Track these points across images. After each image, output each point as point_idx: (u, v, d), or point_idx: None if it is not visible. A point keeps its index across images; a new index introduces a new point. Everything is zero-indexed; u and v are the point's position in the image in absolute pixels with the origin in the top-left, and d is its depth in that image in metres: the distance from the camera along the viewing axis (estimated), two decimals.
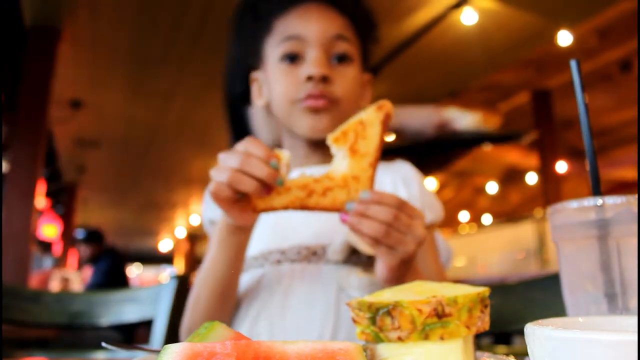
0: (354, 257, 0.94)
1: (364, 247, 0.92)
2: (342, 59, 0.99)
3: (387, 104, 0.73)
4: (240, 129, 1.18)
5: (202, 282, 0.88)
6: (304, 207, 0.71)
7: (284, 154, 0.74)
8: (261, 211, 0.71)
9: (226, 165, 0.72)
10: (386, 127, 0.72)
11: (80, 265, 10.30)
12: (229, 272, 0.86)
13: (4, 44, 4.37)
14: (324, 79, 0.95)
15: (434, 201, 1.04)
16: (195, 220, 11.50)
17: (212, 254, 0.86)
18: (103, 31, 4.37)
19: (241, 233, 0.83)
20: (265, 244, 0.97)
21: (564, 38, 4.60)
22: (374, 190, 0.72)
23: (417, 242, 0.73)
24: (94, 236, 5.41)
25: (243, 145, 0.73)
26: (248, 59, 1.09)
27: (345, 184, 0.71)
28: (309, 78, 0.94)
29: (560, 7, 4.19)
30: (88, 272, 5.59)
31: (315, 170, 1.01)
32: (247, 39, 1.08)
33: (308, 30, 0.97)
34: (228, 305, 0.90)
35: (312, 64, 0.94)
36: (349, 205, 0.71)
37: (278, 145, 1.11)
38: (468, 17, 4.19)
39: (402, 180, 1.04)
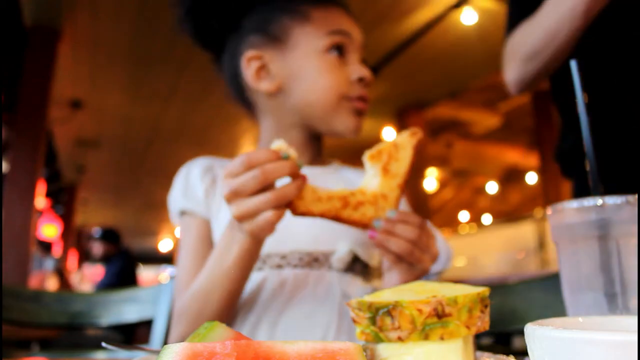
0: (356, 266, 0.94)
1: (368, 257, 0.93)
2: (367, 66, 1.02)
3: (419, 132, 0.77)
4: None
5: (208, 295, 0.81)
6: (337, 218, 0.73)
7: (280, 142, 0.74)
8: (300, 214, 0.72)
9: (247, 189, 0.69)
10: (416, 153, 0.76)
11: (81, 263, 10.31)
12: (242, 284, 0.82)
13: (4, 44, 4.37)
14: (369, 84, 0.98)
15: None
16: None
17: (226, 272, 0.79)
18: (103, 31, 4.37)
19: (259, 247, 0.79)
20: (264, 247, 0.92)
21: None
22: (400, 210, 0.75)
23: (432, 260, 0.77)
24: (109, 235, 5.40)
25: (240, 164, 0.69)
26: (214, 32, 1.03)
27: (374, 201, 0.74)
28: (361, 79, 0.96)
29: None
30: (97, 271, 5.60)
31: (306, 172, 1.01)
32: (273, 13, 1.01)
33: (353, 30, 0.98)
34: (233, 307, 0.87)
35: (362, 67, 0.97)
36: (377, 223, 0.74)
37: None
38: (468, 17, 4.19)
39: None
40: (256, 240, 0.77)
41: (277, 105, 0.99)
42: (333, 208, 0.72)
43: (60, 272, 6.05)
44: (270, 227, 0.72)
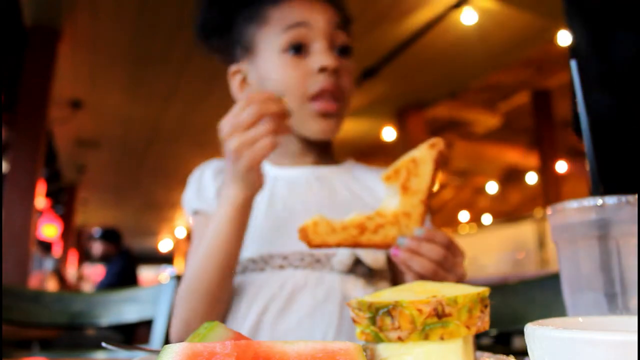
0: (357, 268, 0.93)
1: (370, 261, 0.93)
2: (345, 51, 0.97)
3: (440, 142, 0.73)
4: None
5: (205, 263, 0.83)
6: (356, 245, 0.71)
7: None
8: (315, 247, 0.71)
9: (245, 122, 0.76)
10: (439, 165, 0.73)
11: (81, 263, 10.31)
12: (237, 250, 0.84)
13: (4, 44, 4.37)
14: (336, 71, 0.92)
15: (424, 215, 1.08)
16: None
17: (219, 235, 0.83)
18: (103, 31, 4.37)
19: (250, 206, 0.83)
20: (266, 248, 0.94)
21: (564, 38, 4.60)
22: (427, 228, 0.72)
23: (457, 280, 0.74)
24: (109, 235, 5.39)
25: (239, 105, 0.78)
26: (226, 50, 1.05)
27: (396, 221, 0.72)
28: (322, 69, 0.91)
29: (560, 7, 4.18)
30: (97, 271, 5.59)
31: (309, 172, 1.01)
32: (237, 26, 1.02)
33: (314, 17, 0.93)
34: (229, 287, 0.88)
35: (323, 55, 0.91)
36: (401, 241, 0.71)
37: None
38: (468, 17, 4.19)
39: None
40: (246, 194, 0.81)
41: None
42: (349, 237, 0.70)
43: (59, 273, 6.04)
44: (265, 154, 0.77)
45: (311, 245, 0.70)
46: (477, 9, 4.16)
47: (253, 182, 0.81)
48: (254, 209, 0.92)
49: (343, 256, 0.91)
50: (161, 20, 4.18)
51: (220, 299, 0.87)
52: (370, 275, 0.94)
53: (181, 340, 0.84)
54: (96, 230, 5.57)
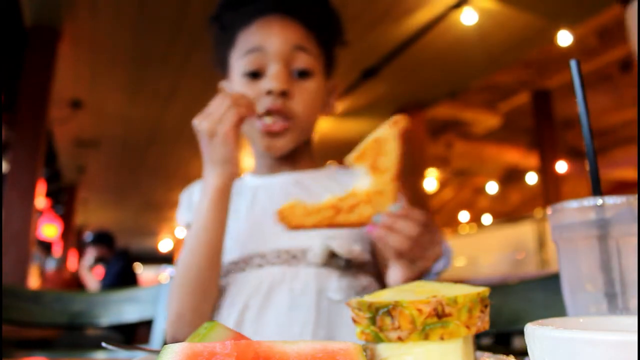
0: (332, 261, 0.96)
1: (344, 252, 0.95)
2: (303, 74, 1.01)
3: (401, 120, 0.76)
4: None
5: (193, 255, 0.88)
6: (332, 225, 0.74)
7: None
8: (293, 228, 0.74)
9: (214, 110, 0.88)
10: (403, 141, 0.75)
11: (80, 265, 10.30)
12: (221, 237, 0.89)
13: (4, 44, 4.37)
14: (284, 94, 0.97)
15: None
16: None
17: (203, 222, 0.88)
18: (103, 31, 4.37)
19: (229, 193, 0.90)
20: (245, 249, 0.98)
21: (564, 38, 4.61)
22: (403, 205, 0.75)
23: (435, 258, 0.78)
24: (102, 238, 5.39)
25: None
26: (218, 67, 1.13)
27: (369, 200, 0.74)
28: (269, 92, 0.96)
29: (560, 7, 4.19)
30: (97, 270, 5.58)
31: (287, 179, 1.06)
32: (216, 47, 1.12)
33: (268, 42, 0.99)
34: (216, 278, 0.91)
35: (272, 78, 0.97)
36: (376, 218, 0.74)
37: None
38: (468, 17, 4.19)
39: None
40: (225, 177, 0.88)
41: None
42: (325, 218, 0.73)
43: (42, 272, 6.04)
44: (235, 123, 0.87)
45: (290, 225, 0.74)
46: (477, 9, 4.16)
47: (229, 158, 0.88)
48: (236, 214, 0.99)
49: (316, 248, 0.94)
50: (161, 20, 4.18)
51: (209, 290, 0.90)
52: (346, 266, 0.97)
53: (175, 334, 0.88)
54: (88, 235, 5.57)
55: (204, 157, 0.90)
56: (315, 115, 1.05)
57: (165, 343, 0.88)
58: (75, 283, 5.58)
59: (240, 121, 0.89)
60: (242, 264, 0.97)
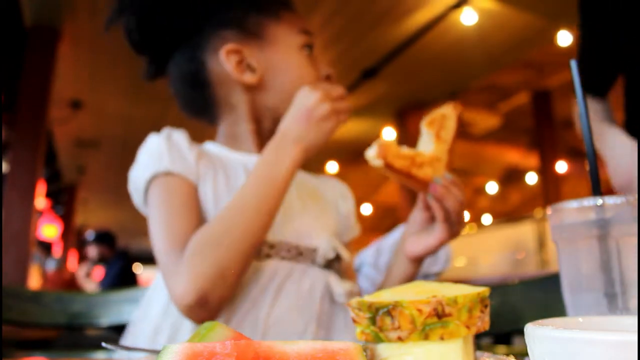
0: (334, 264, 0.99)
1: (345, 255, 0.99)
2: None
3: (459, 106, 0.89)
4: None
5: (258, 212, 0.82)
6: (407, 174, 0.80)
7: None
8: (385, 166, 0.78)
9: (335, 94, 0.90)
10: (458, 124, 0.87)
11: (81, 263, 10.32)
12: (278, 208, 0.86)
13: (4, 44, 4.37)
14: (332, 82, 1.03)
15: (355, 223, 1.16)
16: None
17: (274, 186, 0.84)
18: (103, 31, 4.37)
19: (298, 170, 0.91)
20: None
21: (564, 38, 4.61)
22: (453, 174, 0.84)
23: (464, 226, 0.87)
24: (103, 238, 5.40)
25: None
26: (227, 26, 1.04)
27: (431, 163, 0.82)
28: (327, 77, 1.03)
29: (560, 7, 4.19)
30: (96, 271, 5.59)
31: None
32: (249, 11, 1.04)
33: (314, 35, 1.05)
34: (265, 235, 0.86)
35: (327, 65, 1.04)
36: (438, 179, 0.82)
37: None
38: (468, 17, 4.19)
39: (341, 197, 1.15)
40: (306, 153, 0.88)
41: (252, 98, 1.02)
42: (406, 165, 0.79)
43: (43, 272, 6.05)
44: (342, 125, 0.91)
45: (385, 161, 0.77)
46: (477, 9, 4.16)
47: (319, 144, 0.89)
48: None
49: (326, 249, 0.96)
50: None
51: (255, 251, 0.84)
52: (341, 269, 1.00)
53: (206, 292, 0.77)
54: (90, 234, 5.57)
55: (294, 126, 0.88)
56: None
57: (192, 305, 0.78)
58: (76, 283, 5.59)
59: (343, 124, 0.93)
60: None
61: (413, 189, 0.85)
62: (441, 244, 0.86)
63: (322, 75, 1.02)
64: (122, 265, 5.17)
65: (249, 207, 0.82)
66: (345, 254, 1.00)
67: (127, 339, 0.95)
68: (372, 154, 0.77)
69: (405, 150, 0.81)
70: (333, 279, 0.96)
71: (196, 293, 0.77)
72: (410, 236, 0.90)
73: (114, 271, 5.11)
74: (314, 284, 0.93)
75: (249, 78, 1.00)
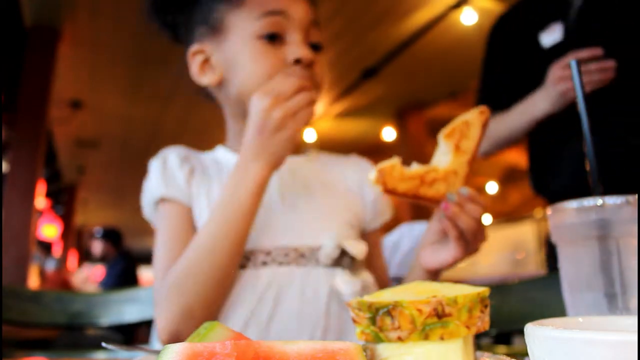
0: (343, 260, 0.91)
1: (355, 251, 0.91)
2: (317, 47, 0.95)
3: (487, 110, 0.79)
4: None
5: (216, 243, 0.80)
6: (416, 196, 0.75)
7: None
8: (387, 191, 0.73)
9: (288, 92, 0.80)
10: (484, 131, 0.79)
11: (81, 263, 10.32)
12: (249, 227, 0.82)
13: (4, 44, 4.37)
14: (310, 64, 0.91)
15: (387, 205, 1.06)
16: None
17: (237, 209, 0.80)
18: (103, 31, 4.37)
19: (267, 183, 0.83)
20: (247, 243, 0.88)
21: None
22: (470, 189, 0.78)
23: (482, 242, 0.80)
24: (110, 235, 5.39)
25: (280, 78, 0.82)
26: (180, 27, 1.01)
27: (445, 178, 0.77)
28: (297, 61, 0.89)
29: None
30: (97, 271, 5.59)
31: (290, 162, 0.97)
32: (203, 4, 0.98)
33: (292, 8, 0.91)
34: (236, 269, 0.84)
35: (299, 46, 0.89)
36: (451, 196, 0.76)
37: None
38: (468, 17, 4.19)
39: (367, 180, 1.03)
40: (270, 169, 0.82)
41: (225, 98, 0.97)
42: (413, 187, 0.74)
43: (42, 271, 6.06)
44: (306, 124, 0.81)
45: (385, 188, 0.73)
46: (477, 9, 4.16)
47: (283, 155, 0.81)
48: None
49: (329, 248, 0.89)
50: None
51: (228, 282, 0.83)
52: (354, 265, 0.92)
53: (178, 332, 0.79)
54: (97, 230, 5.56)
55: (253, 141, 0.81)
56: (323, 90, 0.99)
57: (165, 343, 0.84)
58: (73, 286, 5.59)
59: (311, 118, 0.82)
60: (244, 260, 0.88)
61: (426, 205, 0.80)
62: (456, 262, 0.80)
63: (290, 61, 0.89)
64: (124, 266, 5.16)
65: (215, 236, 0.80)
66: (356, 247, 0.91)
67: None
68: (371, 178, 0.73)
69: (415, 168, 0.75)
70: (340, 279, 0.89)
71: (168, 333, 0.79)
72: (427, 246, 0.84)
73: (116, 271, 5.11)
74: (318, 286, 0.87)
75: (207, 79, 0.96)
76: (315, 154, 1.08)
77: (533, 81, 1.41)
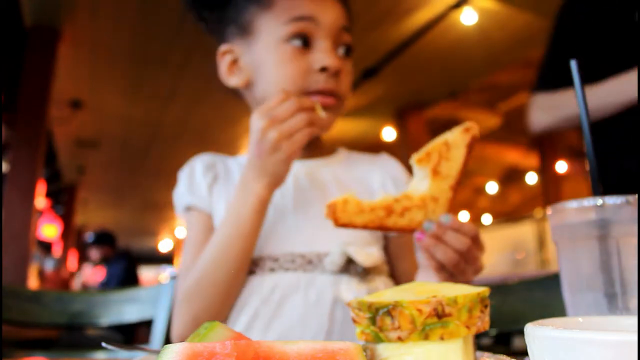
0: (350, 268, 0.90)
1: (362, 259, 0.90)
2: (348, 51, 0.95)
3: (474, 127, 0.71)
4: None
5: (221, 257, 0.84)
6: (382, 227, 0.69)
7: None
8: (342, 225, 0.69)
9: (285, 114, 0.79)
10: (471, 150, 0.71)
11: (81, 263, 10.33)
12: (254, 244, 0.85)
13: (4, 44, 4.37)
14: (337, 73, 0.90)
15: None
16: None
17: (240, 226, 0.83)
18: (103, 31, 4.37)
19: (268, 202, 0.85)
20: (257, 249, 0.91)
21: None
22: (454, 217, 0.71)
23: (476, 274, 0.74)
24: (103, 238, 5.40)
25: (277, 99, 0.81)
26: (216, 26, 1.01)
27: (423, 205, 0.70)
28: (323, 69, 0.89)
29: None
30: (97, 272, 5.60)
31: (299, 168, 0.99)
32: (236, 6, 0.98)
33: (322, 14, 0.90)
34: (242, 282, 0.88)
35: (327, 54, 0.89)
36: (427, 225, 0.70)
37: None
38: (468, 17, 4.19)
39: (391, 180, 1.02)
40: (271, 189, 0.83)
41: (252, 100, 0.98)
42: (376, 218, 0.69)
43: (41, 271, 6.07)
44: (302, 146, 0.80)
45: (337, 223, 0.68)
46: (477, 9, 4.16)
47: (283, 174, 0.82)
48: None
49: (335, 256, 0.89)
50: (161, 21, 4.18)
51: (233, 294, 0.87)
52: (364, 273, 0.91)
53: (186, 338, 0.81)
54: (90, 236, 5.59)
55: (253, 160, 0.83)
56: (348, 98, 0.99)
57: (165, 343, 0.86)
58: (72, 285, 5.60)
59: (308, 140, 0.81)
60: (253, 266, 0.90)
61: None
62: None
63: (316, 68, 0.89)
64: (124, 266, 5.16)
65: (219, 253, 0.84)
66: (364, 255, 0.90)
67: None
68: (326, 212, 0.68)
69: (379, 199, 0.69)
70: (344, 286, 0.88)
71: (179, 337, 0.86)
72: (420, 269, 0.82)
73: (116, 271, 5.11)
74: (323, 293, 0.87)
75: (234, 81, 0.97)
76: (342, 154, 1.07)
77: (625, 57, 1.28)
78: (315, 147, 1.02)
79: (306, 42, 0.90)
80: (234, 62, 0.97)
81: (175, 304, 0.88)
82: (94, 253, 5.33)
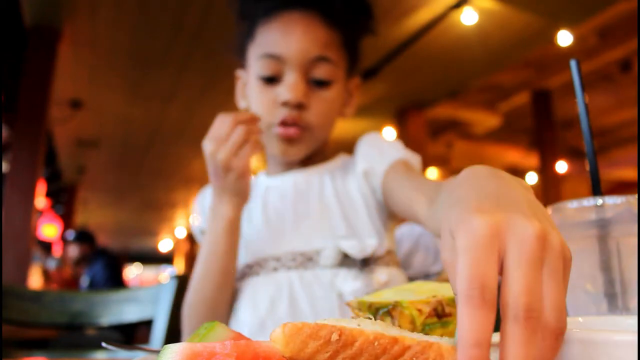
0: (347, 261, 0.92)
1: (355, 251, 0.91)
2: (321, 83, 0.96)
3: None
4: None
5: (203, 278, 0.90)
6: None
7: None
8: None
9: (224, 133, 0.82)
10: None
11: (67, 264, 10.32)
12: (233, 261, 0.90)
13: (4, 44, 4.37)
14: (299, 106, 0.93)
15: (393, 144, 1.03)
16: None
17: (214, 248, 0.89)
18: (103, 31, 4.37)
19: (240, 217, 0.90)
20: (259, 251, 0.96)
21: (564, 38, 4.60)
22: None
23: None
24: (82, 236, 5.41)
25: (217, 124, 0.86)
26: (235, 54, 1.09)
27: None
28: (284, 103, 0.93)
29: (560, 7, 4.19)
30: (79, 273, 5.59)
31: (299, 176, 1.03)
32: (237, 35, 1.07)
33: (288, 49, 0.93)
34: (228, 296, 0.93)
35: (288, 89, 0.92)
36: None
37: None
38: (468, 17, 4.19)
39: (363, 176, 0.99)
40: (237, 208, 0.87)
41: None
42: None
43: (46, 271, 6.07)
44: (250, 158, 0.84)
45: None
46: (477, 9, 4.15)
47: (243, 191, 0.87)
48: (249, 217, 0.99)
49: (328, 251, 0.91)
50: (161, 21, 4.18)
51: (221, 308, 0.92)
52: (362, 264, 0.92)
53: None
54: (70, 233, 5.60)
55: (214, 184, 0.88)
56: (332, 122, 1.02)
57: (165, 343, 0.88)
58: (76, 282, 5.60)
59: (256, 150, 0.85)
60: (257, 267, 0.94)
61: None
62: None
63: (279, 102, 0.93)
64: (103, 265, 5.13)
65: (201, 274, 0.90)
66: (354, 247, 0.91)
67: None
68: None
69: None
70: (341, 279, 0.90)
71: None
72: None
73: (95, 272, 5.09)
74: (327, 287, 0.90)
75: (243, 104, 1.06)
76: (340, 159, 1.10)
77: None
78: (317, 157, 1.06)
79: (273, 78, 0.95)
80: (243, 86, 1.06)
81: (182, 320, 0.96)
82: (73, 250, 5.34)
